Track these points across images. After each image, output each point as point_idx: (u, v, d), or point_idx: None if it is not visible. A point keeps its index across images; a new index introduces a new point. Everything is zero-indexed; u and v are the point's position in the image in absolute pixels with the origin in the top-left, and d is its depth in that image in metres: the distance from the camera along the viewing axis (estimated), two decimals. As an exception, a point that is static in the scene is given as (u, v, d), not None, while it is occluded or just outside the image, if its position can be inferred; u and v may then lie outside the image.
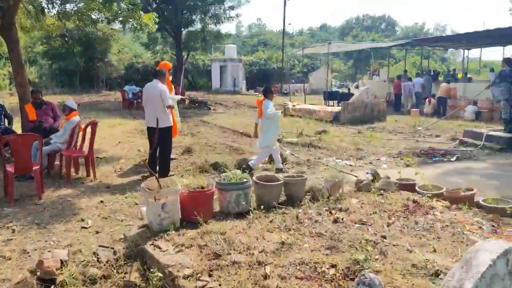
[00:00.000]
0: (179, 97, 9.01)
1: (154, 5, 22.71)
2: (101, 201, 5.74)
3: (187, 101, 21.22)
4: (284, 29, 30.13)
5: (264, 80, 37.10)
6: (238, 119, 16.03)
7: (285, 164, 7.85)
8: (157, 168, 6.93)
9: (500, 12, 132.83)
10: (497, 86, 9.51)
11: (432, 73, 24.45)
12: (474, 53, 23.60)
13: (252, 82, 36.28)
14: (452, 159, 8.22)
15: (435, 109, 17.58)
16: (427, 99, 18.10)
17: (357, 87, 37.29)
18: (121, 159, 8.44)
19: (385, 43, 31.62)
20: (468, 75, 23.48)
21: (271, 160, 7.97)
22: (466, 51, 24.92)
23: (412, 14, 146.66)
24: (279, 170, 7.22)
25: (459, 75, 23.69)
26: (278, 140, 10.99)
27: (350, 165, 7.97)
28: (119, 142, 10.29)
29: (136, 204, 5.57)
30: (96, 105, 20.35)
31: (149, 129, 6.95)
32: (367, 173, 6.17)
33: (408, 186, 5.43)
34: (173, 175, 7.05)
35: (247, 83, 35.71)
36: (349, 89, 24.22)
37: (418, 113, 16.81)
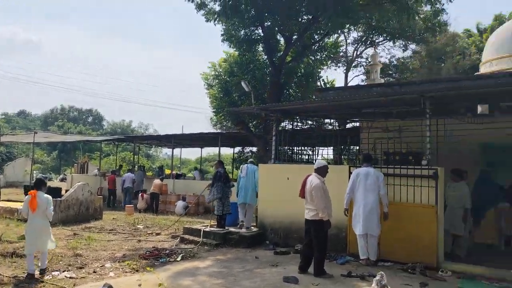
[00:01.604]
0: None
1: None
2: None
3: None
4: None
5: None
6: None
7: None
8: None
9: (198, 118, 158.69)
10: (212, 186, 10.45)
11: (142, 169, 25.45)
12: (175, 151, 27.02)
13: None
14: (178, 259, 8.25)
15: (148, 204, 17.94)
16: (140, 194, 18.33)
17: (63, 179, 34.72)
18: None
19: (96, 137, 31.45)
20: (179, 172, 25.66)
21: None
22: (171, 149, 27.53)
23: (119, 112, 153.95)
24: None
25: (167, 171, 25.81)
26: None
27: (72, 278, 6.78)
28: None
29: None
30: None
31: None
32: (100, 288, 5.32)
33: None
34: None
35: None
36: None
37: (133, 209, 16.68)
